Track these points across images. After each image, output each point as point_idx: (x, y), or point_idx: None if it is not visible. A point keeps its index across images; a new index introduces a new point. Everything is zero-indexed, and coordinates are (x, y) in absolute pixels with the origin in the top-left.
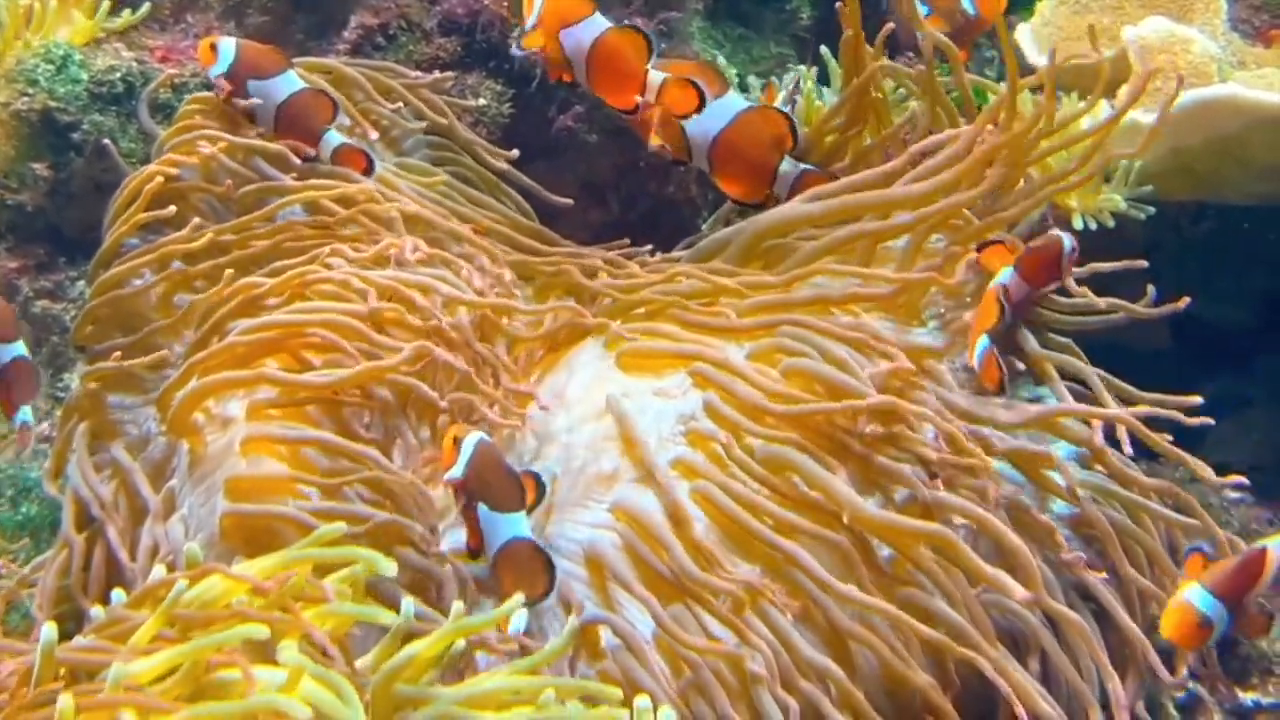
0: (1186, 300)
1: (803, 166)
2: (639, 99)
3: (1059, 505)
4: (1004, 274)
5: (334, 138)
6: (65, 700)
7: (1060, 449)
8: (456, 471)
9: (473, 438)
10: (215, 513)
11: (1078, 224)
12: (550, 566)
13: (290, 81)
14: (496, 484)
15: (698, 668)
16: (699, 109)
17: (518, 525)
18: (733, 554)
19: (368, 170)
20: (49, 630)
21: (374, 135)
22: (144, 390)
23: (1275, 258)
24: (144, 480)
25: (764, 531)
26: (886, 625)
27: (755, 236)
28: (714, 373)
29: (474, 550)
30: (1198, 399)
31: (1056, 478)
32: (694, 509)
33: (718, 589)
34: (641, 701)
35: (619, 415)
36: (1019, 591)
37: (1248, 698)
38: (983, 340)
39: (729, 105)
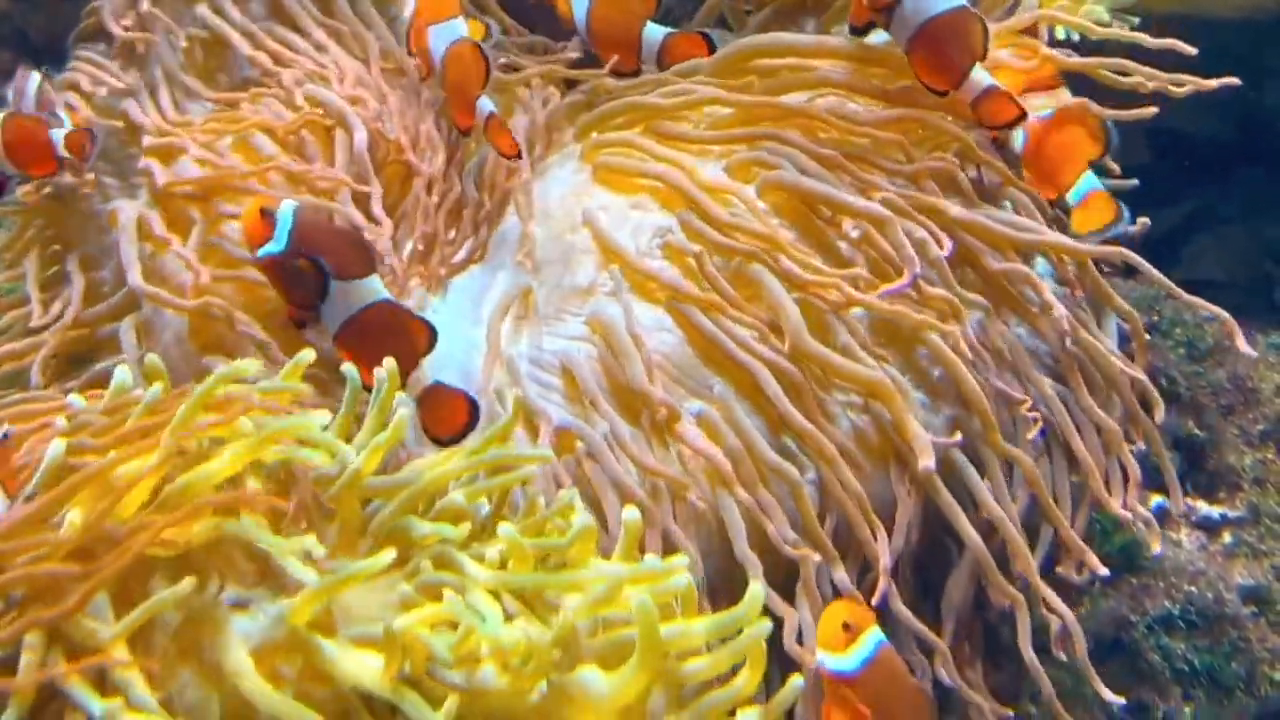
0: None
1: (666, 31)
2: None
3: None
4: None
5: None
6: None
7: (1038, 266)
8: (276, 245)
9: (289, 204)
10: None
11: (1060, 37)
12: (429, 326)
13: None
14: (337, 246)
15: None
16: None
17: (375, 289)
18: (706, 368)
19: None
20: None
21: None
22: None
23: (1256, 72)
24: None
25: (732, 348)
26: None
27: (725, 63)
28: (689, 192)
29: (301, 322)
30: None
31: (1030, 294)
32: (669, 322)
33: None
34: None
35: (596, 230)
36: (923, 462)
37: (1215, 511)
38: (1088, 177)
39: None
